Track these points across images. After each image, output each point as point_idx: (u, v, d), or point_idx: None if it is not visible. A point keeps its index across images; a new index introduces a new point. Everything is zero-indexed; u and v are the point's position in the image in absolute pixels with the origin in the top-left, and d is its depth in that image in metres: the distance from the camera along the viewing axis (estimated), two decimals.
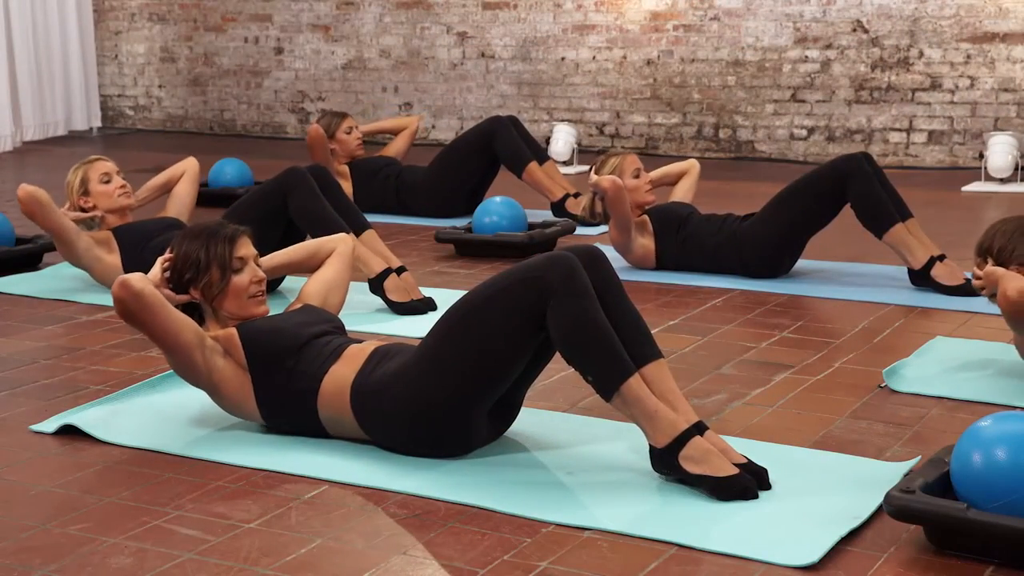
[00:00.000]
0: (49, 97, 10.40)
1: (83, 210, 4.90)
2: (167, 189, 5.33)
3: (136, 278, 3.07)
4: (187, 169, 5.34)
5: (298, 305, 3.51)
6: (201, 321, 3.30)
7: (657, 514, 2.76)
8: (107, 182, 4.92)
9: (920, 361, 3.90)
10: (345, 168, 6.64)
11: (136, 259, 4.70)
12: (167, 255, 3.30)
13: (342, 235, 3.76)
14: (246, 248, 3.33)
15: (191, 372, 3.19)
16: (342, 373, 3.13)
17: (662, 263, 5.24)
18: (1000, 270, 3.57)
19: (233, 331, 3.23)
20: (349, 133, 6.64)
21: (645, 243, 5.22)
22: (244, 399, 3.22)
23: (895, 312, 4.61)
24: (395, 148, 7.02)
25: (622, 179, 5.11)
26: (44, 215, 4.74)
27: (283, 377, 3.17)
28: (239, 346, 3.20)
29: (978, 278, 3.68)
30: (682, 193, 5.50)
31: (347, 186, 6.59)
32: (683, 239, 5.20)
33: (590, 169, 5.29)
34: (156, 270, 3.27)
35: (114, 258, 4.86)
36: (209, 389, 3.24)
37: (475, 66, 9.66)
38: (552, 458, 3.11)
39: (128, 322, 3.13)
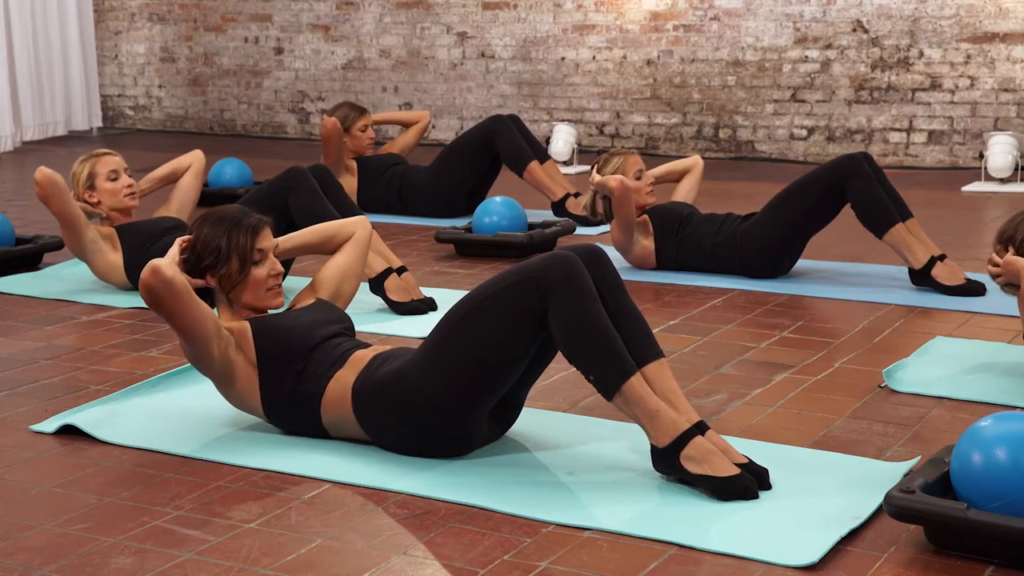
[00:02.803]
0: (49, 97, 10.40)
1: (87, 203, 4.89)
2: (171, 180, 5.29)
3: (166, 265, 3.05)
4: (193, 162, 5.30)
5: (311, 295, 3.50)
6: (212, 305, 3.29)
7: (657, 514, 2.76)
8: (114, 180, 4.91)
9: (920, 361, 3.89)
10: (353, 163, 6.64)
11: (139, 259, 4.69)
12: (186, 236, 3.28)
13: (360, 218, 3.69)
14: (267, 240, 3.32)
15: (205, 361, 3.18)
16: (345, 377, 3.13)
17: (662, 263, 5.24)
18: (1021, 260, 3.56)
19: (246, 325, 3.21)
20: (364, 131, 6.64)
21: (645, 243, 5.21)
22: (250, 393, 3.21)
23: (895, 312, 4.61)
24: (403, 142, 6.99)
25: None
26: (59, 200, 4.71)
27: (291, 379, 3.17)
28: (251, 341, 3.19)
29: (996, 264, 3.65)
30: (684, 192, 5.49)
31: (352, 181, 6.59)
32: (683, 239, 5.19)
33: (592, 168, 5.28)
34: (174, 251, 3.22)
35: (116, 256, 4.86)
36: (218, 379, 3.23)
37: (475, 66, 9.66)
38: (552, 458, 3.11)
39: (154, 309, 3.10)
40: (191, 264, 3.25)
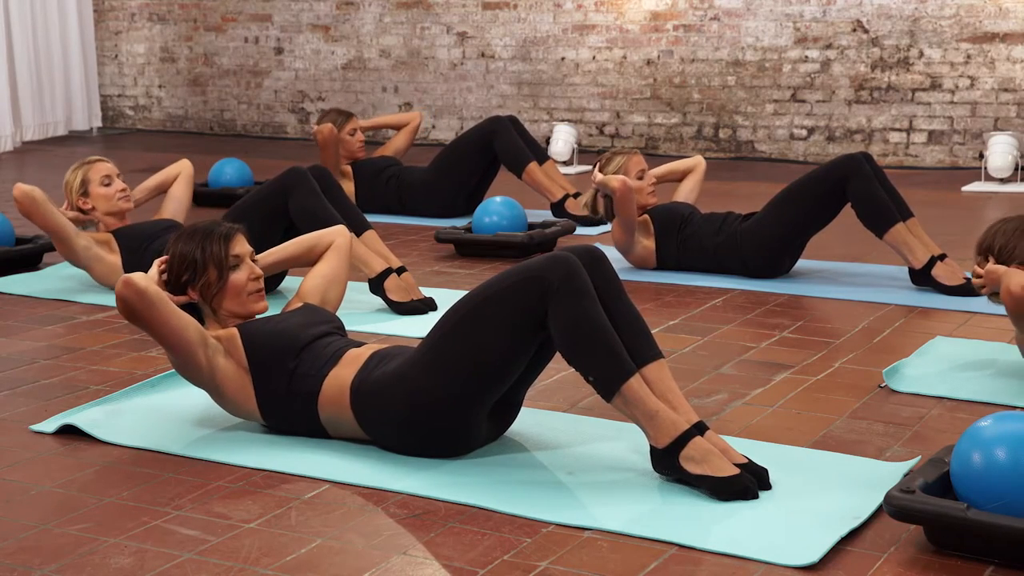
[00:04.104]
0: (49, 97, 10.40)
1: (81, 211, 4.91)
2: (161, 191, 5.33)
3: (139, 277, 3.08)
4: (181, 171, 5.34)
5: (297, 303, 3.51)
6: (201, 322, 3.30)
7: (657, 514, 2.76)
8: (107, 185, 4.92)
9: (920, 361, 3.89)
10: (348, 168, 6.65)
11: (137, 261, 4.71)
12: (163, 257, 3.31)
13: (338, 227, 3.74)
14: (241, 245, 3.33)
15: (193, 371, 3.20)
16: (342, 375, 3.13)
17: (663, 263, 5.24)
18: (1002, 268, 3.58)
19: (235, 331, 3.23)
20: (352, 135, 6.65)
21: (646, 243, 5.21)
22: (245, 399, 3.22)
23: (895, 312, 4.61)
24: (395, 145, 7.01)
25: None
26: (41, 214, 4.75)
27: (284, 379, 3.17)
28: (240, 346, 3.20)
29: (978, 276, 3.68)
30: (686, 193, 5.49)
31: (349, 186, 6.60)
32: (684, 239, 5.20)
33: (594, 166, 5.29)
34: (153, 272, 3.27)
35: (115, 259, 4.86)
36: (210, 388, 3.24)
37: (475, 66, 9.66)
38: (552, 458, 3.11)
39: (131, 321, 3.12)
40: (171, 282, 3.28)
